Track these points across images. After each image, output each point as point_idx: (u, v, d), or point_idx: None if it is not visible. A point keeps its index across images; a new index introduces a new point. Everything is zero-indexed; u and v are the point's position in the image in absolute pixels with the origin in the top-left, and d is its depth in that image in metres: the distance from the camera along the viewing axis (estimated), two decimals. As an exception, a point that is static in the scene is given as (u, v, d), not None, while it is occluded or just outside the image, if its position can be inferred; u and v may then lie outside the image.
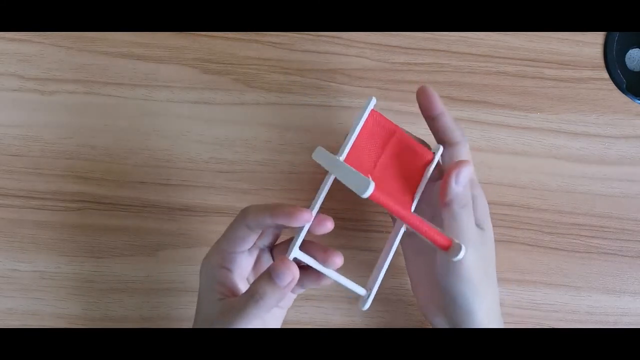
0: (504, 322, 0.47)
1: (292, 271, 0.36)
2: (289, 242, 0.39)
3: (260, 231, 0.40)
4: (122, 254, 0.48)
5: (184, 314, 0.47)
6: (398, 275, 0.48)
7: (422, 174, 0.41)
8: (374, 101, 0.40)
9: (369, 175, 0.37)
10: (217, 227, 0.47)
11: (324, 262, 0.38)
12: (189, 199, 0.48)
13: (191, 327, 0.45)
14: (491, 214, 0.48)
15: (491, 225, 0.43)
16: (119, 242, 0.48)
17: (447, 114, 0.42)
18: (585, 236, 0.49)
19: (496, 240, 0.48)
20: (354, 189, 0.36)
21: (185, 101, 0.49)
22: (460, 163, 0.39)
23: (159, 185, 0.48)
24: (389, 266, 0.41)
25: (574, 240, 0.49)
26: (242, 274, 0.41)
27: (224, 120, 0.49)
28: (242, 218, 0.39)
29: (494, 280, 0.42)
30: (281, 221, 0.38)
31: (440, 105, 0.41)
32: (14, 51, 0.49)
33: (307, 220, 0.37)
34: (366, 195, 0.35)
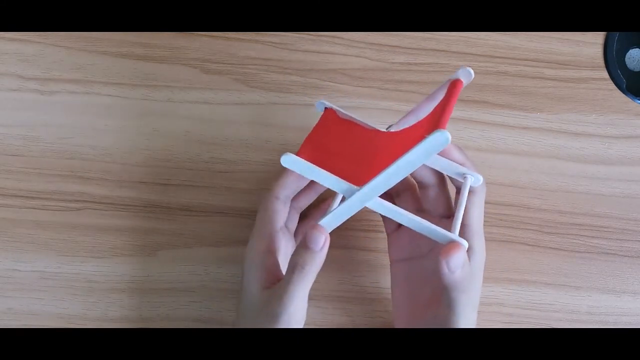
0: (504, 322, 0.48)
1: (323, 234, 0.37)
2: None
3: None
4: (122, 254, 0.48)
5: (184, 314, 0.47)
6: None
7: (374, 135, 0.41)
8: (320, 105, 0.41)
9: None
10: (217, 227, 0.48)
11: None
12: (189, 199, 0.48)
13: (199, 327, 0.45)
14: (491, 213, 0.48)
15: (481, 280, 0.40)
16: (119, 242, 0.48)
17: (469, 163, 0.41)
18: (586, 236, 0.49)
19: (496, 240, 0.48)
20: (337, 190, 0.37)
21: (185, 101, 0.49)
22: (450, 248, 0.36)
23: (159, 185, 0.48)
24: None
25: (574, 240, 0.49)
26: (283, 254, 0.42)
27: (224, 120, 0.49)
28: (270, 194, 0.42)
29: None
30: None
31: (458, 156, 0.41)
32: (14, 51, 0.49)
33: None
34: (350, 194, 0.36)
